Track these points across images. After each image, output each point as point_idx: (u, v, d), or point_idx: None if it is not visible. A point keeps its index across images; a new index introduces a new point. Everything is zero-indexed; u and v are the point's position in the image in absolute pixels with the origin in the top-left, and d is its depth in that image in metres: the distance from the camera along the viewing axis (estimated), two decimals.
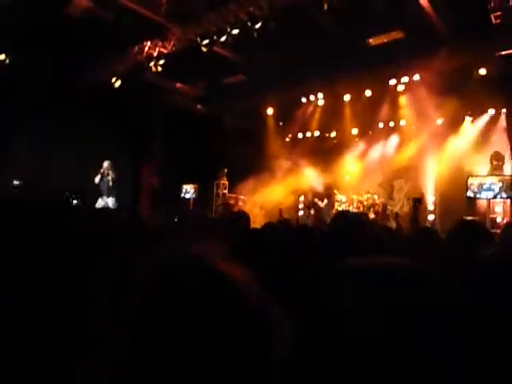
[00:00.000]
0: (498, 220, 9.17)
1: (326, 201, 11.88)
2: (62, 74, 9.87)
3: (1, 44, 9.36)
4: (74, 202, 8.76)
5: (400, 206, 11.25)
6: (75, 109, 10.43)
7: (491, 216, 9.26)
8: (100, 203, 9.45)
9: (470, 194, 9.35)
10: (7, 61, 9.65)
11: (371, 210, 10.64)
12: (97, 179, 9.54)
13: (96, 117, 10.94)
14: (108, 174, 9.52)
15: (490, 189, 9.17)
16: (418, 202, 10.28)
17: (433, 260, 2.04)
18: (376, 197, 11.03)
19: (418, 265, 0.76)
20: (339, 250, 1.88)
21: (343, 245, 1.91)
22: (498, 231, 4.55)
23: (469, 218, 8.53)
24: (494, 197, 9.15)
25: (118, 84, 10.68)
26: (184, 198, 13.20)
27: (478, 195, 9.32)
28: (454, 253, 1.94)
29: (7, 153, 9.92)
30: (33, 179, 9.28)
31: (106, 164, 9.54)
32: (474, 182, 9.40)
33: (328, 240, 2.03)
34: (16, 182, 9.31)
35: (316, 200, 12.11)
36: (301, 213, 13.47)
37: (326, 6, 6.88)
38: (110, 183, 9.51)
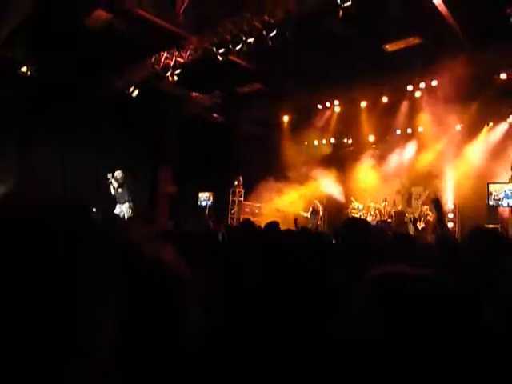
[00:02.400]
0: None
1: (310, 210, 11.92)
2: (80, 85, 10.08)
3: (22, 56, 9.62)
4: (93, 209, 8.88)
5: (418, 213, 11.05)
6: (92, 118, 10.64)
7: None
8: (117, 210, 9.58)
9: (491, 202, 9.12)
10: (29, 73, 9.91)
11: (422, 220, 10.40)
12: (112, 189, 9.68)
13: (113, 126, 11.13)
14: (121, 182, 9.64)
15: (511, 196, 8.94)
16: (437, 202, 10.03)
17: (453, 269, 1.98)
18: (426, 208, 10.70)
19: (438, 274, 0.74)
20: (351, 258, 1.85)
21: (354, 252, 1.88)
22: None
23: (490, 225, 8.34)
24: None
25: (135, 94, 10.86)
26: (201, 205, 13.26)
27: (499, 203, 9.10)
28: (468, 262, 1.89)
29: (25, 162, 10.16)
30: (49, 188, 9.44)
31: (117, 173, 9.68)
32: (495, 189, 9.18)
33: (339, 247, 2.00)
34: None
35: (302, 213, 12.13)
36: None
37: (341, 13, 6.85)
38: (120, 190, 9.64)
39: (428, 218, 10.57)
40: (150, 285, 0.57)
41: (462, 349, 0.66)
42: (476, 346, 0.67)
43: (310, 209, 12.01)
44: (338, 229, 2.24)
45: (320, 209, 12.01)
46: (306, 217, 11.91)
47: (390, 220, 11.12)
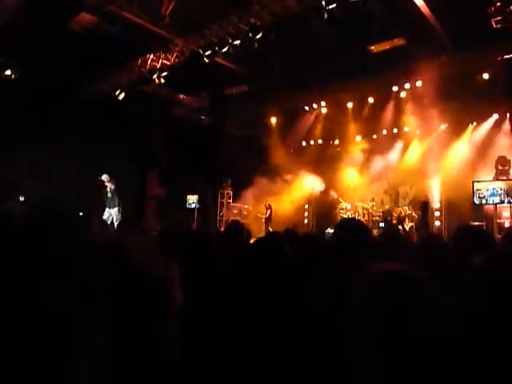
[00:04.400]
0: (506, 225, 9.05)
1: (268, 212, 12.14)
2: (65, 87, 9.98)
3: (6, 59, 9.50)
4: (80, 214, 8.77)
5: (404, 212, 11.17)
6: (79, 121, 10.52)
7: (498, 221, 9.16)
8: (105, 215, 9.48)
9: (476, 200, 9.25)
10: (13, 76, 9.78)
11: (406, 221, 10.54)
12: (103, 192, 9.59)
13: (100, 129, 11.01)
14: (107, 187, 9.56)
15: (496, 194, 9.09)
16: (425, 206, 10.48)
17: (437, 266, 2.02)
18: (406, 208, 10.95)
19: (420, 271, 0.76)
20: (346, 256, 1.87)
21: (349, 251, 1.90)
22: None
23: (475, 223, 8.47)
24: (501, 202, 9.05)
25: (121, 96, 10.77)
26: (189, 208, 13.20)
27: (484, 201, 9.23)
28: (454, 259, 1.94)
29: (9, 165, 10.02)
30: (35, 193, 9.29)
31: (104, 177, 9.59)
32: (480, 188, 9.32)
33: (334, 247, 2.02)
34: (22, 198, 9.37)
35: (259, 214, 12.33)
36: (305, 221, 13.48)
37: (326, 15, 6.91)
38: (110, 194, 9.55)
39: (413, 219, 10.74)
40: (136, 294, 0.58)
41: (463, 345, 0.68)
42: (477, 344, 0.69)
43: (268, 212, 12.14)
44: (334, 229, 2.27)
45: (272, 213, 12.20)
46: (262, 218, 12.10)
47: (378, 219, 11.24)
